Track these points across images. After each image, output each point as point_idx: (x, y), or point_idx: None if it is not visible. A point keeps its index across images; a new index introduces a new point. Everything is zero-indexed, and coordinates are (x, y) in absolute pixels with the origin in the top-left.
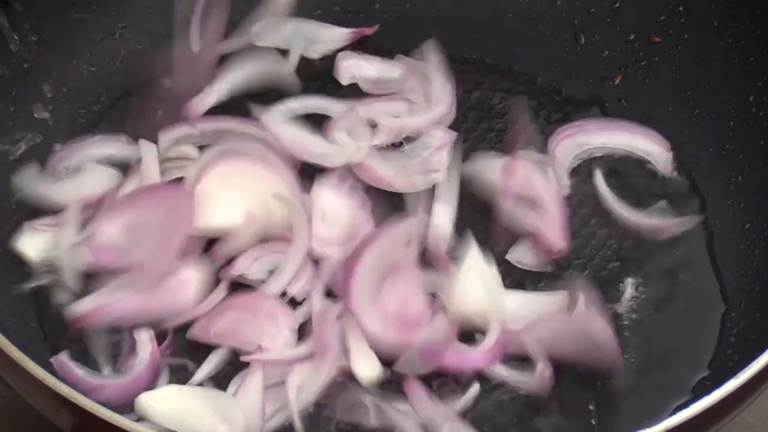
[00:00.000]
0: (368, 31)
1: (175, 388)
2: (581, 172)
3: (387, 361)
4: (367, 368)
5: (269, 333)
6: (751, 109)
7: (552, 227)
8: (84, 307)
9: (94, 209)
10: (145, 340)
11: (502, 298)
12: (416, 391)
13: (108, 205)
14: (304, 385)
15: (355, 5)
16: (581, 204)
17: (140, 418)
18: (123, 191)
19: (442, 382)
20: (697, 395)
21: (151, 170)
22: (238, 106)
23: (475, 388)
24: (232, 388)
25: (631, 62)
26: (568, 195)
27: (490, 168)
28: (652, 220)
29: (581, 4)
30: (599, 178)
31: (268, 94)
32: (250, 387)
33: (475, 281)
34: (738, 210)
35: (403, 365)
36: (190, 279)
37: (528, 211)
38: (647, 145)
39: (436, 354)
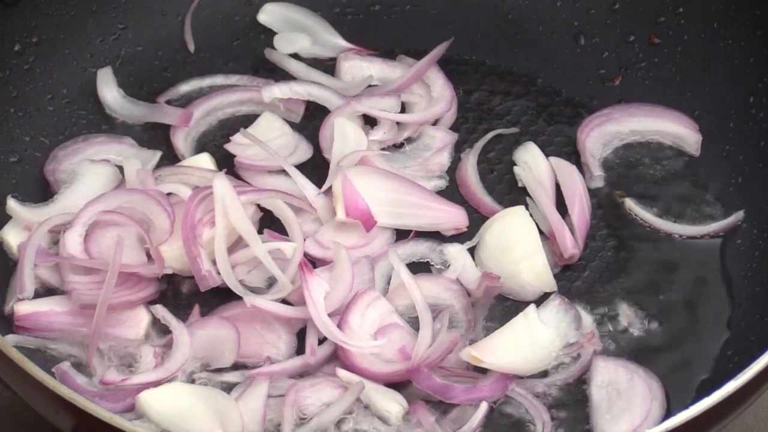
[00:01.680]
0: (365, 51)
1: (176, 386)
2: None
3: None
4: (393, 403)
5: (270, 341)
6: (751, 110)
7: (568, 232)
8: (22, 308)
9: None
10: (147, 354)
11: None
12: (422, 412)
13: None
14: (329, 404)
15: (355, 6)
16: None
17: (139, 417)
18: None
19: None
20: (698, 396)
21: (132, 185)
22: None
23: (483, 407)
24: (235, 392)
25: (631, 63)
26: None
27: (536, 160)
28: (685, 226)
29: (581, 5)
30: (629, 202)
31: (276, 72)
32: (254, 394)
33: (512, 340)
34: (738, 211)
35: (412, 393)
36: (142, 317)
37: (554, 211)
38: (676, 128)
39: (445, 389)
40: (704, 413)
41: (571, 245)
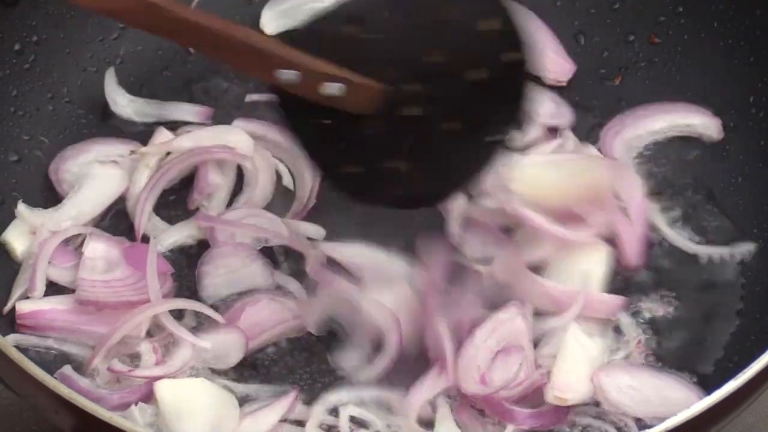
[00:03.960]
0: None
1: (197, 382)
2: None
3: None
4: None
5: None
6: (751, 109)
7: (633, 241)
8: (24, 307)
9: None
10: (147, 351)
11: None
12: (468, 417)
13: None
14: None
15: None
16: None
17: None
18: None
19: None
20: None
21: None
22: None
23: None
24: (249, 407)
25: (631, 63)
26: None
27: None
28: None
29: (581, 4)
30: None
31: None
32: (265, 418)
33: (577, 367)
34: (738, 211)
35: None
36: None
37: (599, 216)
38: (693, 118)
39: (511, 414)
40: (704, 413)
41: (635, 256)
